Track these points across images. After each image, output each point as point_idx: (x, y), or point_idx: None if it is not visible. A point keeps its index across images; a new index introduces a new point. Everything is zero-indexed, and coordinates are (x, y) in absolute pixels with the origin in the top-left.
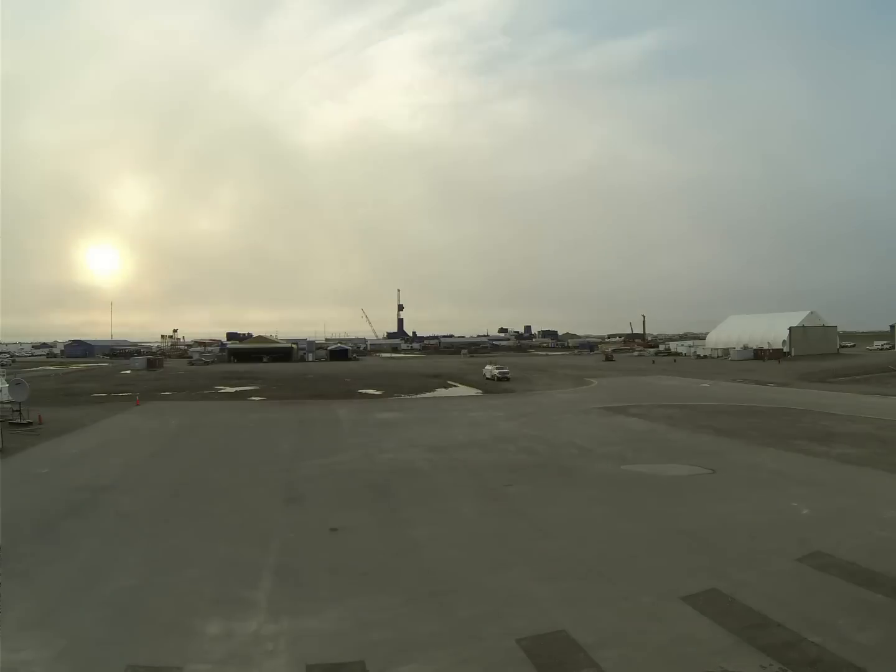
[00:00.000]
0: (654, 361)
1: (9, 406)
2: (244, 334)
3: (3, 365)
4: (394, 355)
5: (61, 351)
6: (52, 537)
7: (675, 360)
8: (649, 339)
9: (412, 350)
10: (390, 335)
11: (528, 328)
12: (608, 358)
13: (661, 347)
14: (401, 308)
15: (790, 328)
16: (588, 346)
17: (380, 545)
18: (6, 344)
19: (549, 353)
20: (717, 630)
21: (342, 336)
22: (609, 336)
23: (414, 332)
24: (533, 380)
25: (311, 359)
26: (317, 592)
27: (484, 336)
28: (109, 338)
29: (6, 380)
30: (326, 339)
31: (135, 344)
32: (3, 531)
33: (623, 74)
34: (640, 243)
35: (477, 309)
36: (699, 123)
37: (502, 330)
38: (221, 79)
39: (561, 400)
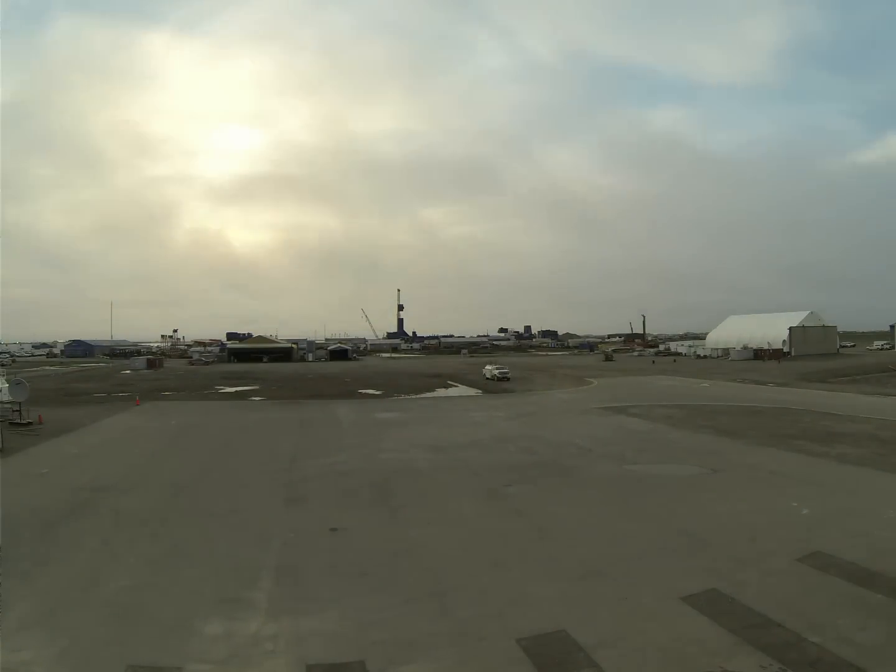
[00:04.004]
0: (654, 361)
1: (9, 406)
2: (244, 334)
3: (3, 365)
4: (394, 355)
5: (61, 351)
6: (52, 537)
7: (675, 360)
8: (649, 339)
9: (412, 350)
10: (390, 335)
11: (528, 328)
12: (608, 358)
13: (661, 347)
14: (401, 308)
15: (790, 328)
16: (588, 346)
17: (380, 545)
18: (6, 344)
19: (549, 353)
20: (717, 630)
21: (342, 336)
22: (609, 336)
23: (414, 332)
24: (533, 380)
25: (311, 359)
26: (317, 592)
27: (484, 336)
28: (109, 338)
29: (6, 380)
30: (326, 339)
31: (135, 344)
32: (3, 531)
33: None
34: (640, 242)
35: (478, 309)
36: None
37: (502, 330)
38: None
39: (561, 400)
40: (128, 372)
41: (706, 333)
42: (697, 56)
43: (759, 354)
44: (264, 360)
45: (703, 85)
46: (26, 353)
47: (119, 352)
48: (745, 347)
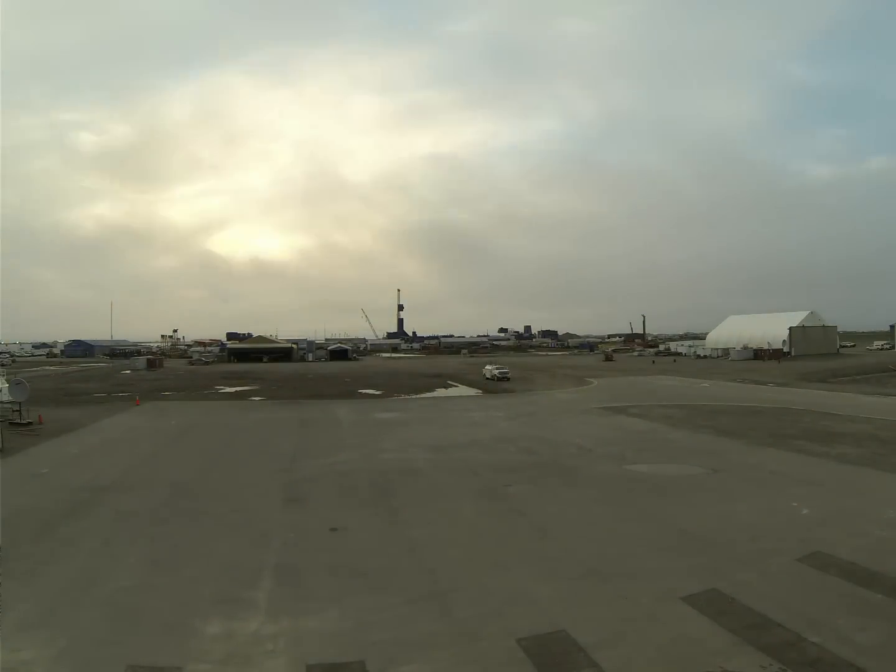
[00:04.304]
0: (654, 361)
1: (9, 406)
2: (244, 334)
3: (3, 365)
4: (394, 355)
5: (61, 351)
6: (52, 537)
7: (675, 360)
8: (649, 339)
9: (412, 350)
10: (390, 335)
11: (528, 328)
12: (608, 358)
13: (661, 347)
14: (401, 308)
15: (790, 328)
16: (588, 346)
17: (380, 545)
18: (6, 344)
19: (549, 353)
20: (717, 630)
21: (342, 336)
22: (609, 336)
23: (414, 332)
24: (533, 380)
25: (311, 359)
26: (317, 592)
27: (484, 336)
28: (109, 338)
29: (6, 380)
30: (326, 339)
31: (135, 344)
32: (3, 531)
33: None
34: (640, 242)
35: (478, 309)
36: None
37: (502, 330)
38: None
39: (561, 400)
40: (128, 372)
41: (706, 333)
42: None
43: (759, 354)
44: (264, 360)
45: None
46: (26, 353)
47: (119, 352)
48: (745, 347)
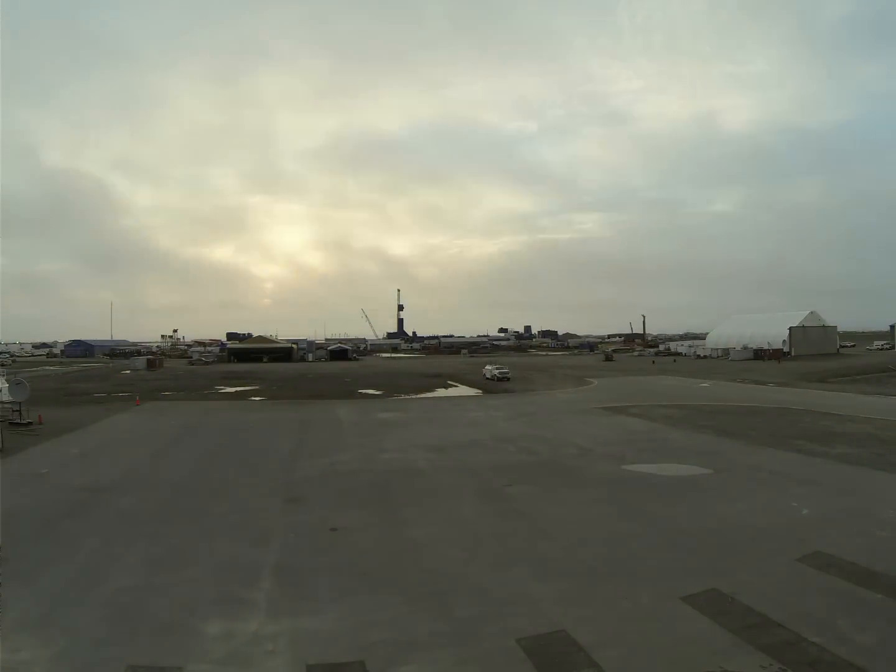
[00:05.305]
0: (654, 361)
1: (9, 406)
2: (244, 334)
3: (3, 365)
4: (394, 355)
5: (61, 351)
6: (52, 537)
7: (675, 360)
8: (649, 339)
9: (412, 350)
10: (390, 335)
11: (528, 328)
12: (608, 358)
13: (662, 347)
14: (401, 308)
15: (790, 328)
16: (588, 346)
17: (380, 545)
18: (6, 344)
19: (549, 353)
20: (717, 630)
21: (342, 336)
22: (609, 336)
23: (414, 332)
24: (533, 380)
25: (311, 359)
26: (317, 592)
27: (484, 336)
28: (109, 338)
29: (6, 380)
30: (326, 339)
31: (135, 344)
32: (3, 531)
33: None
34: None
35: (478, 309)
36: None
37: (502, 330)
38: None
39: (561, 400)
40: (128, 372)
41: (706, 333)
42: None
43: (759, 354)
44: (264, 359)
45: None
46: (26, 353)
47: (119, 352)
48: (745, 347)
